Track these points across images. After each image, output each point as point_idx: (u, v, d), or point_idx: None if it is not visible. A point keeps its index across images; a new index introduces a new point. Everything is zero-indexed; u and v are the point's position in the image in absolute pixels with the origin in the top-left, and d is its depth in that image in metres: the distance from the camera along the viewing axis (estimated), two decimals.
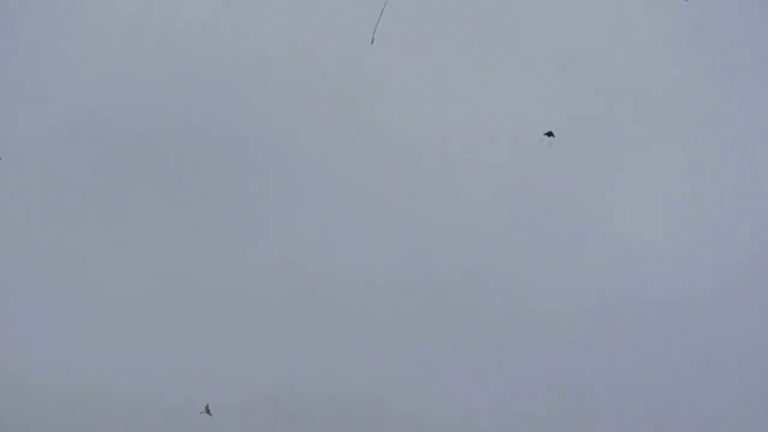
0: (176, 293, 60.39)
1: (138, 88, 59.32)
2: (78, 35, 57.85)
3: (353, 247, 61.11)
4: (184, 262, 61.01)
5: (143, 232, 61.06)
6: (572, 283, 59.17)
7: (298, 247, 62.07)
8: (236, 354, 58.48)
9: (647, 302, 58.41)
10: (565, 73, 54.07)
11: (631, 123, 54.74)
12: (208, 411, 52.34)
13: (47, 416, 56.41)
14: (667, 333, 60.53)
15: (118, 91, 59.67)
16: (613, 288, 58.83)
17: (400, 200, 58.73)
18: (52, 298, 60.14)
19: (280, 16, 57.71)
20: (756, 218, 59.56)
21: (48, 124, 61.89)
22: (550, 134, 43.69)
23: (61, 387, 57.12)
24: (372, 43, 43.87)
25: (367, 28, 48.37)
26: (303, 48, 57.00)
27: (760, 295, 59.48)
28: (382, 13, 47.71)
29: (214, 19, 58.03)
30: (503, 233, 57.25)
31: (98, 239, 61.45)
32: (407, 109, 55.12)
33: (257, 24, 58.49)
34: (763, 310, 59.27)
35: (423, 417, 56.29)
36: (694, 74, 56.31)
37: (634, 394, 59.94)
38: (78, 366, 57.89)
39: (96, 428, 56.34)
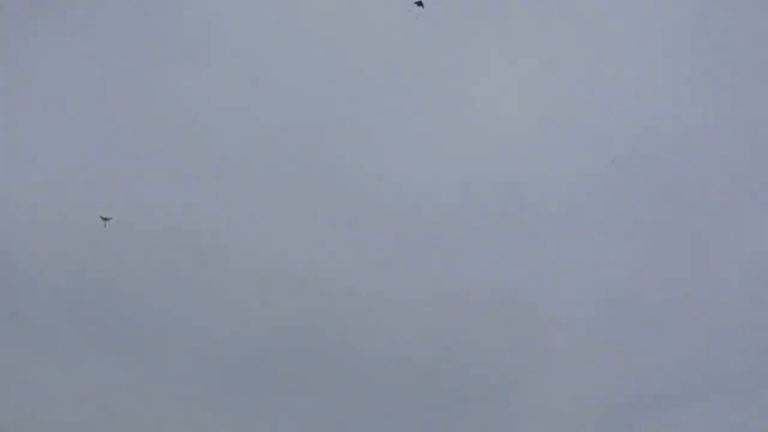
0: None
1: None
2: None
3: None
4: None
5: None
6: (428, 153, 62.21)
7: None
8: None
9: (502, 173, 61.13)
10: None
11: None
12: (104, 219, 55.57)
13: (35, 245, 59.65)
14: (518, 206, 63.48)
15: None
16: (470, 160, 61.75)
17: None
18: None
19: None
20: (616, 100, 62.56)
21: None
22: (419, 4, 45.35)
23: (54, 219, 60.36)
24: None
25: None
26: None
27: (612, 175, 62.57)
28: None
29: None
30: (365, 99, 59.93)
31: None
32: None
33: None
34: (616, 192, 62.77)
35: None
36: None
37: (483, 274, 63.49)
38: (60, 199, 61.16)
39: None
